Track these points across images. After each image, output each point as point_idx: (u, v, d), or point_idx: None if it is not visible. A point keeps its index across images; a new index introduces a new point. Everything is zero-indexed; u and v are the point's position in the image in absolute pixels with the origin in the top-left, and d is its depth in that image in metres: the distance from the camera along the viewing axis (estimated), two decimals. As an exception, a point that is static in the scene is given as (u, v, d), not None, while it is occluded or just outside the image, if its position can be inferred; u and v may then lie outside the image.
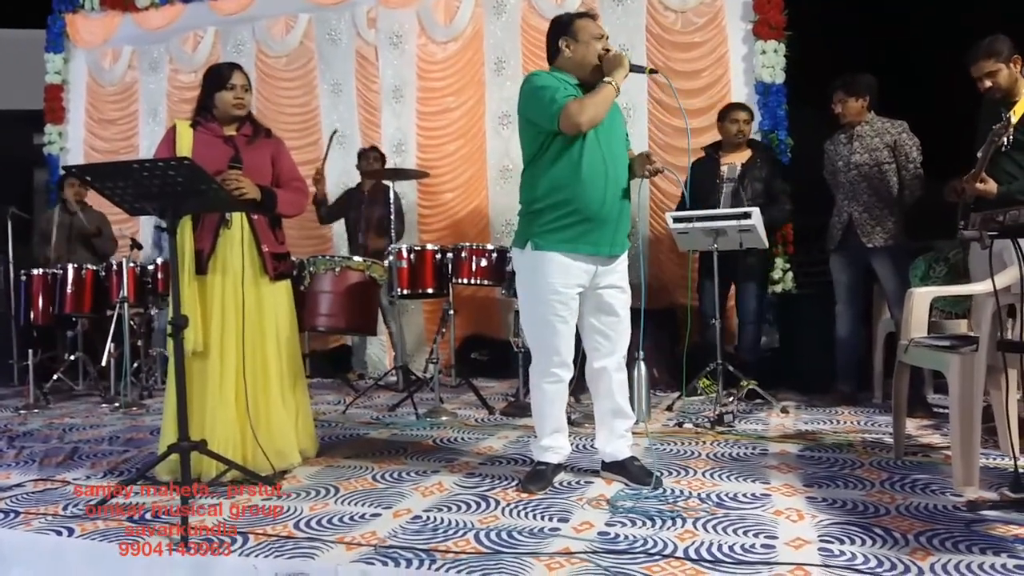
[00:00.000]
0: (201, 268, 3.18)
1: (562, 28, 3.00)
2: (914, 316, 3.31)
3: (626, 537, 2.42)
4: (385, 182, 5.35)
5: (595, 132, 2.87)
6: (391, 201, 5.05)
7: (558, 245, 2.88)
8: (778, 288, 5.38)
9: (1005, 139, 3.34)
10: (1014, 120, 3.32)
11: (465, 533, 2.49)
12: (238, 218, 3.22)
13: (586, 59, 2.95)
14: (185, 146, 3.21)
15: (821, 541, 2.34)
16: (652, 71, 3.06)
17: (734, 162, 4.83)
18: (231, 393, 3.17)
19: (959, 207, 3.62)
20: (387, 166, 6.09)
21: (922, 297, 3.36)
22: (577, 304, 2.95)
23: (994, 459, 3.19)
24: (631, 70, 2.93)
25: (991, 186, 3.49)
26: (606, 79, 2.85)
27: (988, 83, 3.63)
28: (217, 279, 3.20)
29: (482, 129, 6.39)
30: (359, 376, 5.98)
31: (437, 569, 2.22)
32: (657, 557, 2.25)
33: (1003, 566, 2.11)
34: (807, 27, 5.58)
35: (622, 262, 3.03)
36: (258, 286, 3.27)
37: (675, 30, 5.87)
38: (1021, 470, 2.75)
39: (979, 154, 3.47)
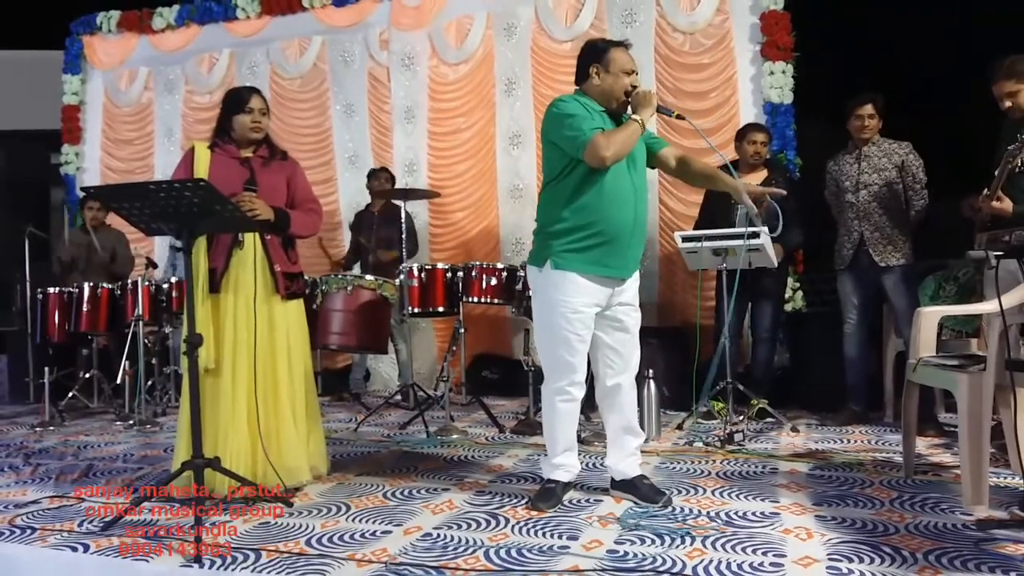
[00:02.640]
0: (214, 287, 3.23)
1: (595, 55, 3.02)
2: (922, 335, 3.31)
3: (635, 555, 2.43)
4: (396, 202, 5.41)
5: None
6: (402, 220, 5.09)
7: (578, 265, 2.90)
8: (788, 307, 5.38)
9: (1019, 160, 3.37)
10: None
11: (475, 550, 2.51)
12: (251, 238, 3.27)
13: (613, 91, 2.97)
14: (203, 168, 3.28)
15: (829, 560, 2.35)
16: (679, 116, 3.07)
17: (750, 183, 4.83)
18: (243, 411, 3.20)
19: (975, 225, 3.63)
20: (398, 186, 6.15)
21: (930, 316, 3.37)
22: (593, 323, 2.98)
23: (1005, 478, 3.20)
24: (658, 111, 2.97)
25: (1007, 205, 3.50)
26: (634, 116, 2.88)
27: (1008, 103, 3.64)
28: (230, 298, 3.25)
29: (493, 149, 6.45)
30: (355, 396, 5.99)
31: (447, 586, 2.24)
32: (666, 575, 2.27)
33: (1011, 585, 2.12)
34: (814, 48, 5.62)
35: (634, 281, 3.06)
36: (270, 305, 3.32)
37: (684, 51, 5.92)
38: (1031, 489, 2.76)
39: (996, 173, 3.48)
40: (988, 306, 3.26)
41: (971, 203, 3.64)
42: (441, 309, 4.81)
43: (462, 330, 4.87)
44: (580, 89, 3.06)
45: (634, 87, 2.98)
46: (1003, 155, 3.42)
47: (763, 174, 4.86)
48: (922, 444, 3.86)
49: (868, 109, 4.45)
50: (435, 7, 6.58)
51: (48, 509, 3.11)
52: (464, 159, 6.53)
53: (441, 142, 6.60)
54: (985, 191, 3.53)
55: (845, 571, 2.25)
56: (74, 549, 2.61)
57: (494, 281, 4.64)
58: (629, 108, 2.97)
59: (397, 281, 4.66)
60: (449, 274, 4.78)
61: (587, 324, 2.95)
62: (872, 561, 2.32)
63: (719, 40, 5.83)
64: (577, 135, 2.84)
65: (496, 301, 4.70)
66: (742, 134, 4.92)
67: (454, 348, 4.92)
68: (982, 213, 3.59)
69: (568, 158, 2.92)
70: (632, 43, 3.12)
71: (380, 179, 6.04)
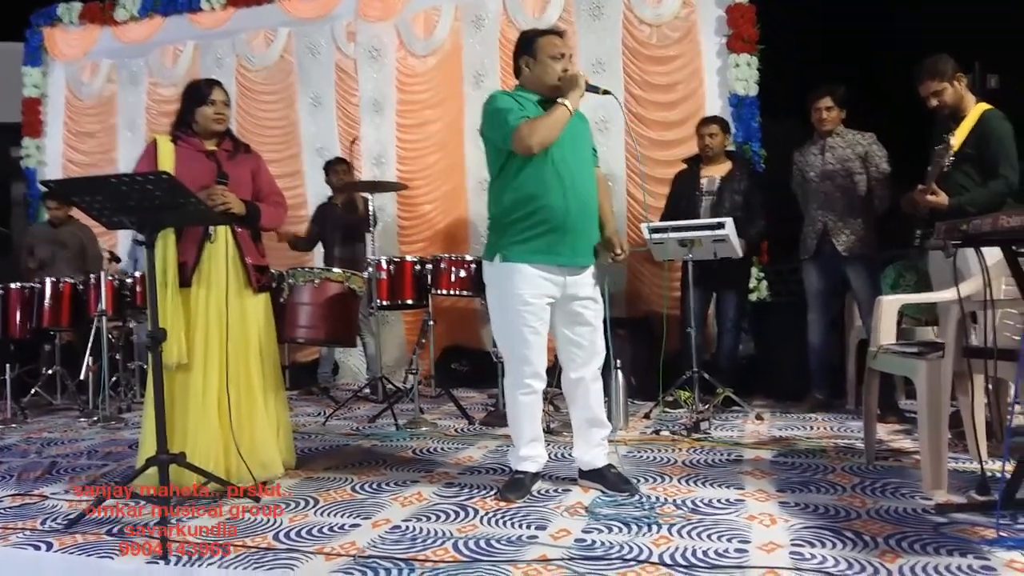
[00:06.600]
0: (185, 281, 3.20)
1: (523, 46, 3.05)
2: (883, 323, 3.37)
3: (603, 543, 2.45)
4: (362, 194, 5.37)
5: (559, 146, 2.91)
6: (370, 212, 5.06)
7: (526, 256, 2.92)
8: (753, 296, 5.45)
9: (946, 160, 3.53)
10: (953, 142, 3.53)
11: (444, 542, 2.52)
12: (222, 231, 3.25)
13: (543, 79, 2.99)
14: (167, 161, 3.23)
15: (793, 545, 2.39)
16: (606, 92, 3.06)
17: (714, 175, 4.91)
18: (214, 406, 3.19)
19: (915, 218, 3.76)
20: (367, 178, 6.12)
21: (890, 305, 3.43)
22: (548, 315, 2.99)
23: (963, 463, 3.26)
24: (587, 90, 2.96)
25: (942, 198, 3.64)
26: (560, 100, 2.90)
27: (935, 102, 3.79)
28: (201, 292, 3.22)
29: (461, 142, 6.44)
30: (323, 390, 5.97)
31: (415, 577, 2.24)
32: (633, 563, 2.29)
33: (969, 567, 2.17)
34: (780, 40, 5.67)
35: (591, 273, 3.06)
36: (241, 298, 3.30)
37: (651, 44, 5.94)
38: (988, 473, 2.83)
39: (929, 170, 3.63)
40: (946, 294, 3.33)
41: (910, 198, 3.78)
42: (410, 302, 4.81)
43: (431, 322, 4.87)
44: (518, 83, 3.09)
45: (565, 70, 2.98)
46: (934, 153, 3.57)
47: (727, 166, 4.93)
48: (883, 430, 3.94)
49: (826, 102, 4.51)
50: (402, -2, 6.55)
51: (10, 507, 3.06)
52: (433, 151, 6.51)
53: (410, 134, 6.57)
54: (920, 186, 3.67)
55: (808, 556, 2.29)
56: (37, 548, 2.58)
57: (463, 273, 4.65)
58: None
59: (365, 274, 4.64)
60: (418, 266, 4.78)
61: (539, 316, 2.95)
62: (834, 546, 2.36)
63: (685, 33, 5.87)
64: (504, 126, 2.88)
65: (465, 293, 4.71)
66: (697, 127, 5.00)
67: (423, 340, 4.92)
68: (919, 208, 3.73)
69: (505, 152, 2.94)
70: (564, 29, 3.13)
71: (338, 171, 5.98)
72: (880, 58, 6.24)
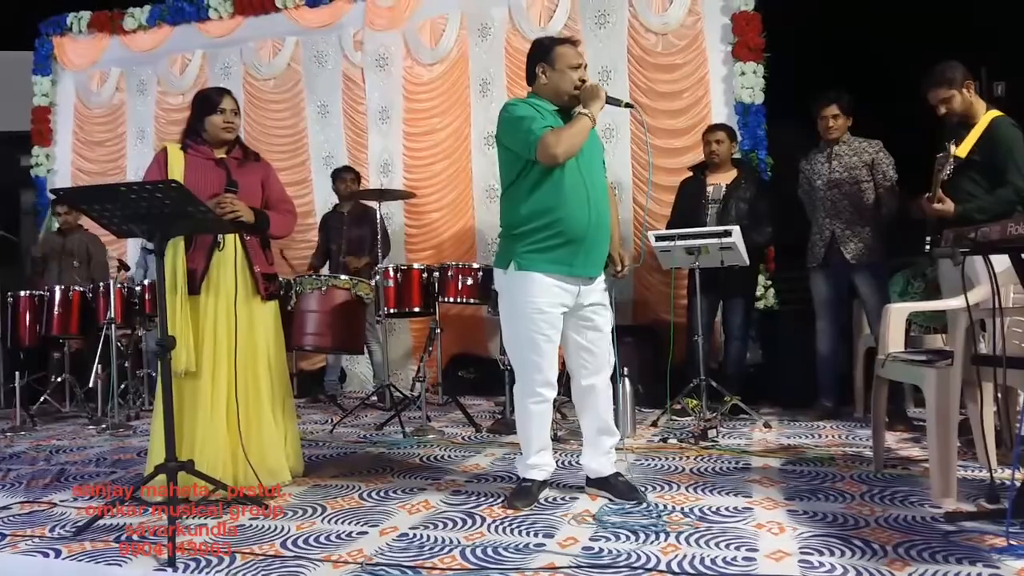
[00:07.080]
0: (194, 288, 3.22)
1: (540, 53, 3.04)
2: (891, 331, 3.37)
3: (610, 552, 2.45)
4: (368, 203, 5.37)
5: (578, 157, 2.91)
6: (376, 221, 5.08)
7: (541, 266, 2.91)
8: (760, 304, 5.44)
9: (947, 169, 3.56)
10: (953, 150, 3.55)
11: (451, 550, 2.52)
12: (231, 239, 3.27)
13: (560, 87, 2.99)
14: (177, 169, 3.26)
15: (801, 553, 2.38)
16: (628, 105, 3.08)
17: (720, 183, 4.91)
18: (222, 413, 3.20)
19: (926, 225, 3.75)
20: (374, 187, 6.14)
21: (898, 312, 3.43)
22: (561, 323, 2.98)
23: (972, 471, 3.25)
24: (607, 102, 2.97)
25: (948, 206, 3.64)
26: (583, 110, 2.89)
27: (944, 109, 3.79)
28: (210, 299, 3.24)
29: (468, 150, 6.46)
30: (330, 398, 5.98)
31: (423, 585, 2.25)
32: (640, 571, 2.29)
33: (979, 575, 2.16)
34: (785, 48, 5.68)
35: (602, 280, 3.07)
36: (250, 306, 3.32)
37: (656, 52, 5.95)
38: (997, 482, 2.81)
39: (934, 178, 3.64)
40: (955, 302, 3.32)
41: (919, 204, 3.78)
42: (417, 309, 4.83)
43: (438, 330, 4.87)
44: (532, 90, 3.09)
45: (583, 81, 2.99)
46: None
47: (733, 173, 4.93)
48: (892, 439, 3.93)
49: (832, 109, 4.52)
50: (409, 7, 6.58)
51: (19, 514, 3.08)
52: (440, 160, 6.53)
53: (416, 143, 6.59)
54: (927, 195, 3.67)
55: (816, 564, 2.28)
56: (46, 555, 2.59)
57: (470, 281, 4.65)
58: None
59: (373, 281, 4.66)
60: (425, 274, 4.79)
61: (553, 324, 2.95)
62: (843, 554, 2.35)
63: (691, 41, 5.87)
64: (528, 136, 2.86)
65: (472, 301, 4.71)
66: (704, 134, 5.03)
67: (430, 348, 4.93)
68: (928, 214, 3.72)
69: (523, 161, 2.93)
70: (580, 39, 3.13)
71: (345, 180, 6.02)
72: (885, 64, 6.24)
